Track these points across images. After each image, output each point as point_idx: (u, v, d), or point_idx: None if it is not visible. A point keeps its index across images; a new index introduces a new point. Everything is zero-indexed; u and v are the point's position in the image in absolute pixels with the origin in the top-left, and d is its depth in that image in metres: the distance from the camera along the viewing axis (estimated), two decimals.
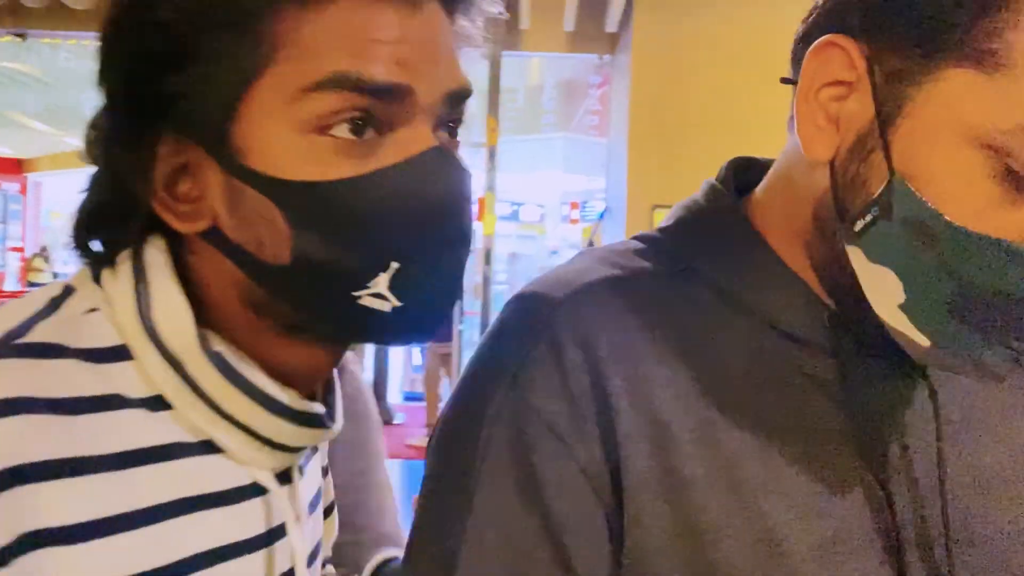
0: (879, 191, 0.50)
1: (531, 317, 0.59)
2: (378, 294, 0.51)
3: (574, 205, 11.42)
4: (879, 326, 0.52)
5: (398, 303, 0.52)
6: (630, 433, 0.54)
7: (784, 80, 0.58)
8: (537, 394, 0.56)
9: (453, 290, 0.55)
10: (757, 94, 3.68)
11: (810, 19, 0.57)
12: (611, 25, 4.32)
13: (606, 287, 0.60)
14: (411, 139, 0.52)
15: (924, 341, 0.51)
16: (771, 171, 0.63)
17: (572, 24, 4.37)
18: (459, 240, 0.54)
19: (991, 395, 0.61)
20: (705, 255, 0.61)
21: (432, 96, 0.53)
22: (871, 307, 0.52)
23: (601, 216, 5.03)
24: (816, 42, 0.54)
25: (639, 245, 0.64)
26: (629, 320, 0.58)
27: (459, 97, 0.55)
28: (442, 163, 0.53)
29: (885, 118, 0.50)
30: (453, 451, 0.59)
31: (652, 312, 0.58)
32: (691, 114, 3.73)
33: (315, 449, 0.70)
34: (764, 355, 0.57)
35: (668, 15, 3.77)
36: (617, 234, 4.13)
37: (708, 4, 3.73)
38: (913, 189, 0.49)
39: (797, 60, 0.57)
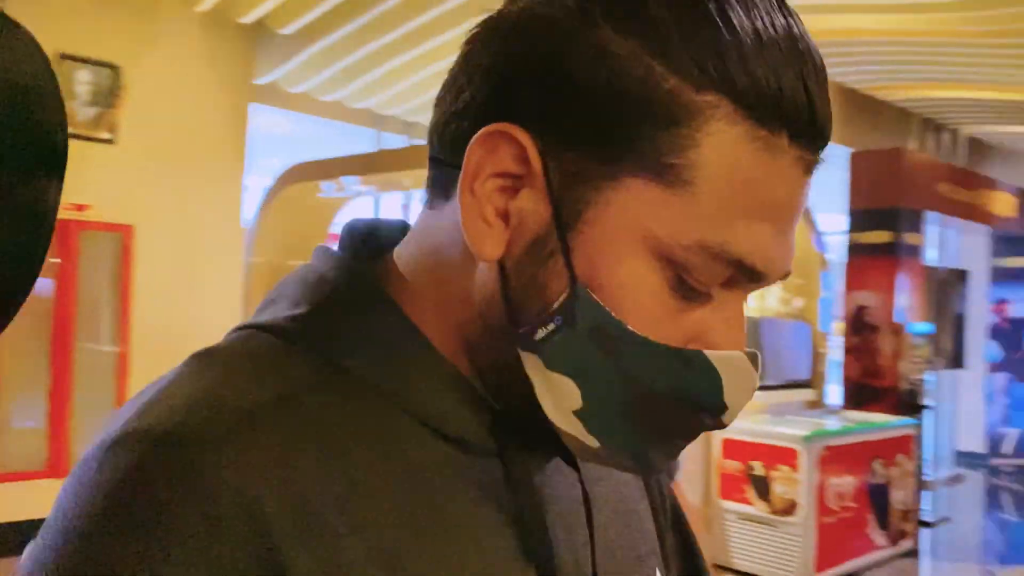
0: (561, 299, 0.48)
1: (167, 473, 0.43)
2: None
3: None
4: (543, 424, 0.50)
5: None
6: None
7: (433, 160, 0.53)
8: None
9: (32, 260, 0.35)
10: None
11: (469, 94, 0.50)
12: None
13: (269, 414, 0.46)
14: None
15: (594, 444, 0.50)
16: (413, 248, 0.55)
17: None
18: (34, 158, 0.34)
19: (611, 476, 0.62)
20: (361, 354, 0.51)
21: None
22: (542, 410, 0.49)
23: None
24: (484, 130, 0.48)
25: (274, 341, 0.51)
26: (300, 459, 0.46)
27: None
28: None
29: (565, 221, 0.48)
30: None
31: (324, 441, 0.47)
32: None
33: None
34: (438, 467, 0.51)
35: None
36: None
37: None
38: (596, 298, 0.47)
39: (453, 139, 0.51)
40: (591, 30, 0.47)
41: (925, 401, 6.48)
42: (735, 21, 0.46)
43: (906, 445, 5.61)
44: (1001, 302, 8.87)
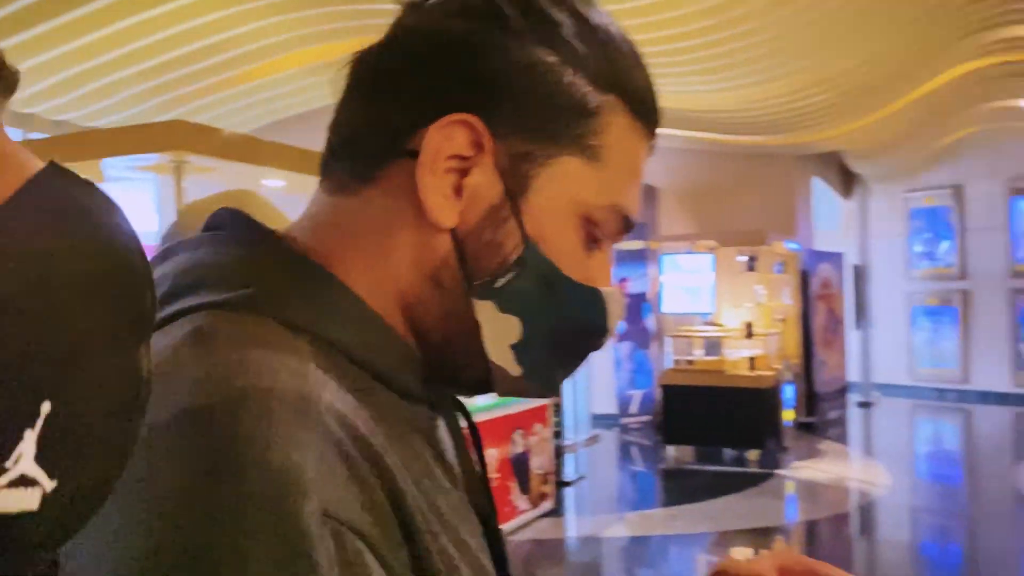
0: (516, 254, 0.59)
1: (304, 421, 0.47)
2: (23, 478, 0.27)
3: None
4: (455, 374, 0.62)
5: (55, 485, 0.28)
6: (419, 527, 0.51)
7: (354, 150, 0.61)
8: (349, 511, 0.47)
9: (130, 438, 0.33)
10: None
11: (407, 94, 0.59)
12: None
13: (319, 369, 0.52)
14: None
15: (517, 371, 0.61)
16: (329, 230, 0.61)
17: None
18: (133, 335, 0.32)
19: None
20: (336, 327, 0.56)
21: None
22: (469, 348, 0.60)
23: None
24: (447, 118, 0.57)
25: (253, 318, 0.54)
26: (354, 405, 0.52)
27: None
28: (79, 197, 0.31)
29: (515, 194, 0.59)
30: None
31: (351, 392, 0.54)
32: None
33: None
34: (404, 418, 0.58)
35: None
36: None
37: None
38: (542, 250, 0.59)
39: (394, 131, 0.59)
40: (522, 46, 0.59)
41: None
42: (612, 34, 0.61)
43: (542, 415, 6.18)
44: (623, 280, 10.05)
